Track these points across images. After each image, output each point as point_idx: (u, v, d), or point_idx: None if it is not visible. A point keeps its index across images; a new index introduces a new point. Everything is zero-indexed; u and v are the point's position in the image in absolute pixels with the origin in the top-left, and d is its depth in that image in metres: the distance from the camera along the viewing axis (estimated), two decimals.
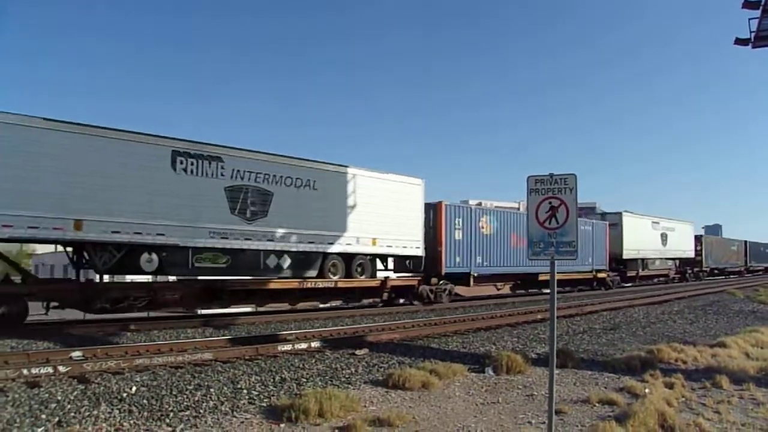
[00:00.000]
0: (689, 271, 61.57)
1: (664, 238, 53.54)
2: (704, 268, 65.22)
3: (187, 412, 9.10)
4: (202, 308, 22.30)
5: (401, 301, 28.19)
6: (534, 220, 7.97)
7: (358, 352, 14.30)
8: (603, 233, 43.60)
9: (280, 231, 22.29)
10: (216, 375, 11.50)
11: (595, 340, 18.04)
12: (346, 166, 24.97)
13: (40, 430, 8.05)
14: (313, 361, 13.23)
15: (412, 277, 28.25)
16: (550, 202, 7.85)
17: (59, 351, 13.11)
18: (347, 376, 12.07)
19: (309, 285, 23.27)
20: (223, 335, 16.59)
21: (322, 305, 25.93)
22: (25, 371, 10.85)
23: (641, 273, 50.27)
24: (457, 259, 29.53)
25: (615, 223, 46.42)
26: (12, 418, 8.41)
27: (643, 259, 50.32)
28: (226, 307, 22.24)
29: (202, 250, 20.36)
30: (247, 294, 22.24)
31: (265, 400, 10.05)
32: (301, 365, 12.71)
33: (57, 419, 8.41)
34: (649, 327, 21.47)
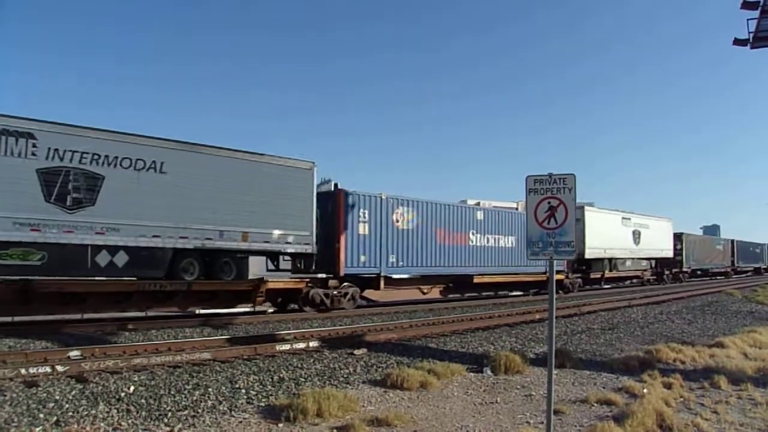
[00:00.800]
0: (667, 273, 56.75)
1: (636, 235, 48.60)
2: (684, 269, 60.38)
3: (186, 412, 9.11)
4: (16, 314, 18.52)
5: (293, 306, 24.11)
6: (533, 219, 7.97)
7: (356, 351, 14.30)
8: None
9: (113, 222, 18.51)
10: (214, 374, 11.49)
11: (594, 340, 18.04)
12: (204, 145, 21.02)
13: (38, 429, 8.04)
14: (312, 360, 13.23)
15: (300, 278, 23.95)
16: (549, 202, 7.86)
17: (57, 350, 13.09)
18: (345, 375, 12.07)
19: (150, 287, 19.12)
20: (221, 335, 16.57)
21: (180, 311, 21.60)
22: (23, 371, 10.85)
23: (608, 274, 45.36)
24: (362, 258, 25.06)
25: (577, 218, 41.93)
26: (10, 417, 8.40)
27: (610, 259, 45.28)
28: (46, 313, 18.77)
29: (7, 245, 17.00)
30: (72, 297, 18.26)
31: (263, 399, 10.06)
32: (299, 365, 12.71)
33: (55, 419, 8.41)
34: (648, 327, 21.48)
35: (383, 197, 26.32)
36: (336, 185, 28.50)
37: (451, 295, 31.76)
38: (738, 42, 21.81)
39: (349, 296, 24.75)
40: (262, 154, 22.49)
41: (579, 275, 41.39)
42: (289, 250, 23.20)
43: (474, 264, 31.05)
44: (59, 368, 11.15)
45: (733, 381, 12.31)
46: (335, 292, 24.24)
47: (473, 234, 30.98)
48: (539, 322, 21.06)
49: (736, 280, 67.89)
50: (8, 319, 17.70)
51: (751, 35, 21.47)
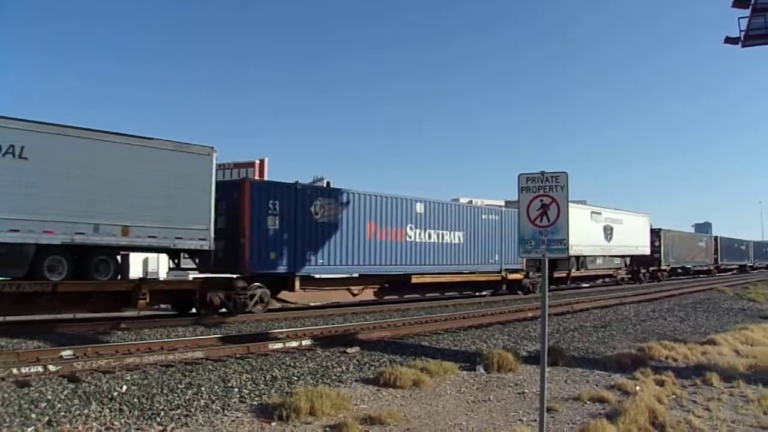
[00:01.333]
0: (643, 272, 53.54)
1: (608, 231, 45.35)
2: (663, 267, 57.12)
3: (178, 411, 9.08)
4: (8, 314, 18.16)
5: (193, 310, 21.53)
6: (525, 217, 7.97)
7: (349, 350, 14.29)
8: (517, 224, 36.12)
9: None
10: (207, 373, 11.47)
11: (586, 337, 18.08)
12: (74, 127, 18.08)
13: (30, 429, 8.01)
14: (304, 359, 13.22)
15: (195, 279, 21.84)
16: (541, 200, 7.85)
17: (49, 350, 13.07)
18: (338, 374, 12.06)
19: (7, 289, 16.70)
20: (214, 334, 16.56)
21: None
22: (14, 370, 10.81)
23: (575, 273, 42.01)
24: (272, 255, 22.05)
25: None
26: (2, 417, 8.37)
27: (578, 257, 41.86)
28: None
29: None
30: None
31: (256, 398, 10.04)
32: (292, 363, 12.69)
33: (47, 418, 8.37)
34: (640, 325, 21.54)
35: (298, 187, 23.47)
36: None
37: (387, 297, 28.42)
38: (729, 40, 21.91)
39: (256, 298, 21.71)
40: (147, 138, 19.38)
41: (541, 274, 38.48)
42: (181, 246, 20.24)
43: (412, 262, 27.80)
44: (51, 368, 11.12)
45: (725, 378, 12.33)
46: (240, 294, 21.25)
47: (412, 229, 27.72)
48: (532, 320, 21.08)
49: (720, 278, 64.73)
50: (0, 318, 17.62)
51: (743, 33, 21.58)
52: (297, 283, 22.95)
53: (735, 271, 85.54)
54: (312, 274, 23.89)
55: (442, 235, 29.48)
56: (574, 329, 19.63)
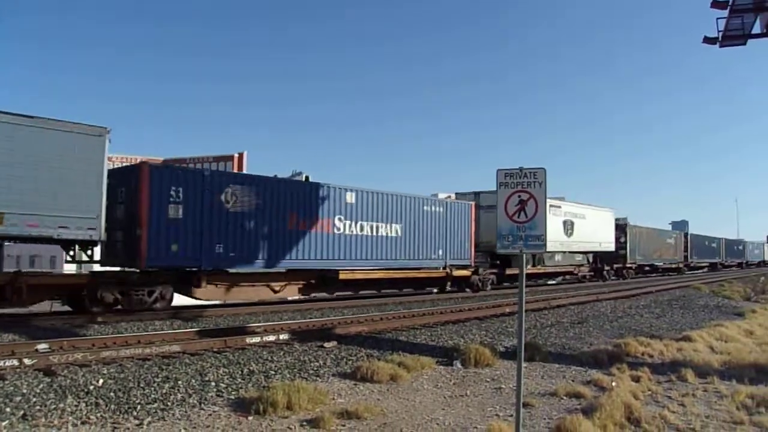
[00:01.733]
0: (607, 269, 50.75)
1: (568, 226, 42.20)
2: (629, 264, 54.58)
3: (155, 405, 9.04)
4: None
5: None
6: (503, 213, 8.00)
7: (326, 344, 14.27)
8: (465, 217, 32.00)
9: None
10: (184, 367, 11.42)
11: (563, 333, 18.15)
12: None
13: (4, 423, 7.93)
14: (282, 353, 13.20)
15: (85, 273, 19.87)
16: (519, 196, 7.89)
17: (25, 343, 12.96)
18: (316, 368, 12.04)
19: None
20: (191, 327, 16.45)
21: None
22: None
23: (530, 270, 38.76)
24: (174, 248, 19.66)
25: (490, 205, 32.88)
26: None
27: (533, 254, 37.60)
28: None
29: None
30: None
31: (233, 392, 10.01)
32: (269, 358, 12.66)
33: (22, 412, 8.30)
34: (617, 321, 21.65)
35: (206, 172, 21.70)
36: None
37: (314, 294, 26.33)
38: (707, 40, 22.05)
39: (156, 295, 19.76)
40: (28, 116, 17.18)
41: (493, 271, 34.96)
42: (66, 237, 17.92)
43: (341, 256, 25.05)
44: (27, 361, 11.03)
45: (699, 374, 12.45)
46: (136, 291, 19.32)
47: (341, 220, 25.00)
48: (509, 315, 21.14)
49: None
50: None
51: (720, 34, 21.74)
52: (203, 279, 20.83)
53: (706, 269, 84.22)
54: (222, 269, 21.51)
55: (376, 227, 26.73)
56: (551, 325, 19.71)
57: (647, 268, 61.75)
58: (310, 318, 19.15)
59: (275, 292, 23.60)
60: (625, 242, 53.25)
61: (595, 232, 46.34)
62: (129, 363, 11.63)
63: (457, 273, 31.09)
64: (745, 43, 21.89)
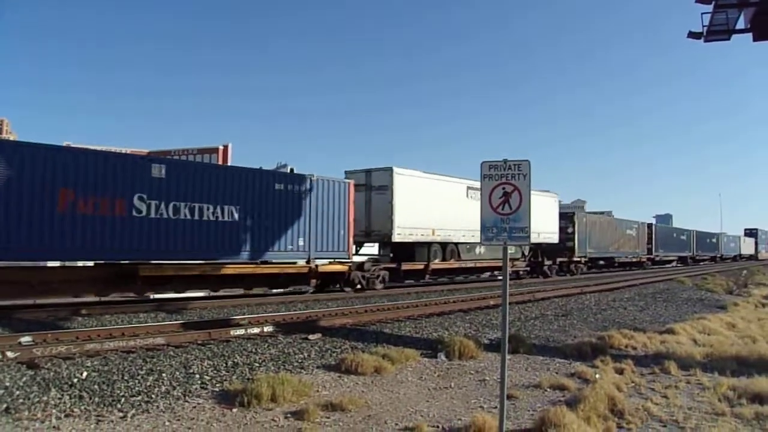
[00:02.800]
0: (549, 263, 44.59)
1: None
2: (577, 258, 48.34)
3: (139, 398, 9.00)
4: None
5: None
6: (487, 205, 8.00)
7: (310, 336, 14.26)
8: (340, 199, 25.97)
9: None
10: (168, 360, 11.38)
11: (547, 326, 18.22)
12: None
13: None
14: (266, 345, 13.17)
15: None
16: (503, 188, 7.89)
17: (8, 336, 12.87)
18: (300, 360, 12.03)
19: None
20: (176, 320, 16.41)
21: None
22: None
23: (439, 265, 33.06)
24: None
25: (382, 185, 29.17)
26: None
27: (443, 244, 33.33)
28: None
29: None
30: None
31: (217, 384, 9.99)
32: (253, 350, 12.64)
33: (5, 406, 8.23)
34: (601, 314, 21.75)
35: None
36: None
37: (114, 296, 20.72)
38: (692, 35, 22.17)
39: None
40: None
41: (389, 266, 29.53)
42: None
43: (144, 246, 19.64)
44: (10, 354, 10.94)
45: (682, 366, 12.53)
46: None
47: (143, 200, 19.46)
48: (493, 308, 21.17)
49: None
50: None
51: (705, 29, 21.86)
52: None
53: (675, 263, 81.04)
54: None
55: (200, 209, 21.03)
56: (535, 317, 19.77)
57: (601, 263, 56.58)
58: (295, 310, 19.11)
59: (48, 292, 18.43)
60: (573, 233, 47.52)
61: (533, 220, 38.85)
62: (113, 355, 11.56)
63: (326, 268, 25.47)
64: (729, 38, 22.04)
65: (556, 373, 12.02)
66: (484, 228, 8.07)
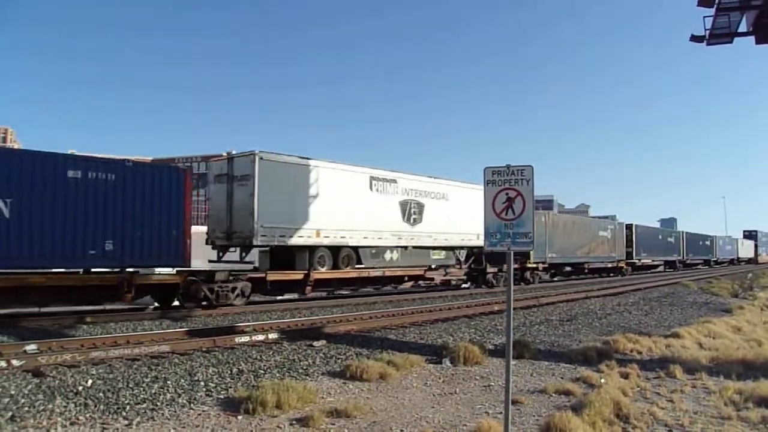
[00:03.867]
0: (492, 272, 36.24)
1: (412, 210, 29.77)
2: (533, 264, 39.72)
3: (144, 405, 9.02)
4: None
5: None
6: (491, 210, 8.00)
7: (315, 343, 14.27)
8: (171, 192, 20.54)
9: None
10: (173, 367, 11.40)
11: (552, 331, 18.21)
12: None
13: None
14: (271, 352, 13.19)
15: None
16: (507, 194, 7.89)
17: (13, 344, 12.90)
18: (305, 367, 12.04)
19: None
20: (180, 327, 16.41)
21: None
22: None
23: (323, 275, 25.22)
24: None
25: (245, 175, 23.45)
26: None
27: (336, 248, 26.07)
28: None
29: None
30: None
31: (222, 392, 10.00)
32: (258, 357, 12.66)
33: (10, 414, 8.26)
34: (605, 318, 21.73)
35: None
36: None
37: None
38: (695, 38, 22.18)
39: None
40: None
41: (254, 275, 23.13)
42: None
43: None
44: (15, 362, 10.98)
45: (687, 370, 12.51)
46: None
47: None
48: (498, 313, 21.18)
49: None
50: None
51: (707, 32, 21.87)
52: None
53: (663, 268, 72.31)
54: None
55: None
56: (540, 322, 19.76)
57: (568, 269, 48.79)
58: (299, 317, 19.14)
59: None
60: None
61: (471, 219, 30.97)
62: (118, 363, 11.59)
63: (147, 279, 20.20)
64: (731, 42, 22.04)
65: (562, 378, 12.00)
66: (487, 233, 8.06)
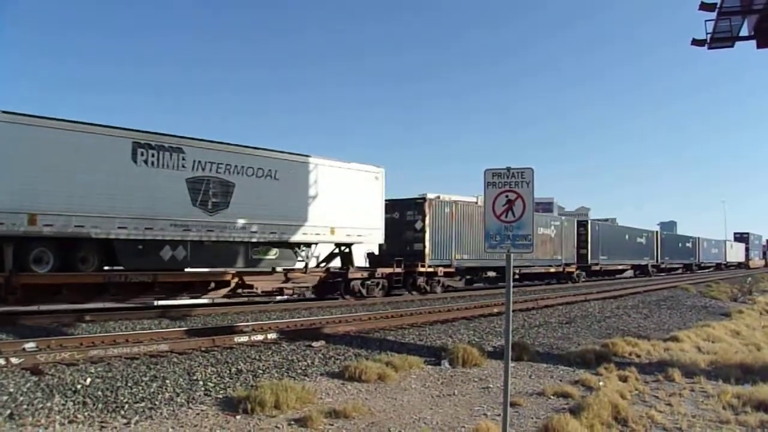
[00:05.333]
0: (359, 277, 27.13)
1: (209, 192, 22.16)
2: (429, 268, 30.37)
3: (143, 404, 9.01)
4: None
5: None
6: (491, 213, 8.01)
7: (314, 344, 14.27)
8: None
9: None
10: (172, 366, 11.40)
11: (551, 333, 18.20)
12: None
13: None
14: (270, 352, 13.19)
15: None
16: (506, 196, 7.90)
17: (12, 342, 12.91)
18: (303, 368, 12.04)
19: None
20: (180, 326, 16.45)
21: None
22: None
23: (37, 279, 17.99)
24: None
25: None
26: None
27: (64, 241, 18.95)
28: None
29: None
30: None
31: (221, 391, 9.99)
32: (257, 357, 12.66)
33: (9, 412, 8.25)
34: (604, 321, 21.73)
35: None
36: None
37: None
38: (696, 42, 22.21)
39: None
40: None
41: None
42: None
43: None
44: (14, 360, 10.96)
45: (686, 374, 12.49)
46: None
47: None
48: (497, 315, 21.18)
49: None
50: None
51: (709, 36, 21.90)
52: None
53: (629, 272, 62.82)
54: None
55: None
56: (539, 325, 19.76)
57: (493, 275, 37.84)
58: (299, 317, 19.14)
59: None
60: (423, 230, 30.28)
61: (334, 207, 25.81)
62: (117, 362, 11.59)
63: None
64: (732, 45, 22.08)
65: (560, 380, 12.00)
66: (488, 236, 8.07)
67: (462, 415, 9.42)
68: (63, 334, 14.92)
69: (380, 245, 29.43)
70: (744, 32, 21.72)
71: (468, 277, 36.81)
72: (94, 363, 11.39)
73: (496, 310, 22.39)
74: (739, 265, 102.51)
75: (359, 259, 30.39)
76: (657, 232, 68.93)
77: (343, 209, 26.20)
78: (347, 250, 28.01)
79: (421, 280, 30.32)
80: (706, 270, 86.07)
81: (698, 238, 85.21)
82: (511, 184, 7.91)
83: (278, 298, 23.98)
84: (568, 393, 10.71)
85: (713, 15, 21.44)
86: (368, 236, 27.92)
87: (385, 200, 29.61)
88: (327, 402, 9.77)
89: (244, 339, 14.32)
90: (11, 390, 9.24)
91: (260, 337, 14.64)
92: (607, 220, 78.43)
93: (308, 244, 26.18)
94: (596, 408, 9.13)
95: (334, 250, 27.93)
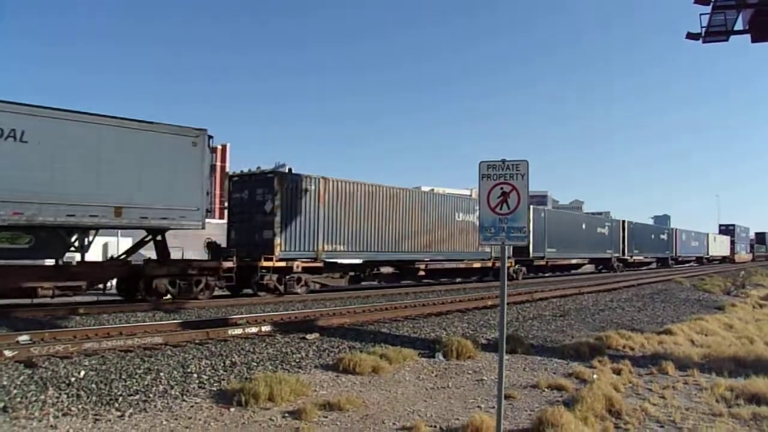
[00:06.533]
0: (166, 274, 20.70)
1: None
2: (278, 262, 23.53)
3: (137, 397, 9.01)
4: None
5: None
6: (485, 205, 7.99)
7: (308, 336, 14.27)
8: None
9: None
10: (166, 359, 11.38)
11: (545, 326, 18.22)
12: None
13: None
14: (264, 345, 13.18)
15: None
16: (501, 188, 7.88)
17: (5, 335, 12.90)
18: (298, 360, 12.04)
19: None
20: (174, 319, 16.43)
21: None
22: None
23: None
24: None
25: None
26: None
27: None
28: None
29: None
30: None
31: (215, 384, 9.99)
32: (251, 349, 12.65)
33: (2, 405, 8.24)
34: (599, 314, 21.75)
35: None
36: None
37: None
38: (691, 36, 22.19)
39: None
40: None
41: None
42: None
43: None
44: (7, 353, 10.94)
45: (680, 367, 12.53)
46: None
47: None
48: (491, 308, 21.18)
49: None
50: None
51: (704, 30, 21.88)
52: None
53: (596, 268, 55.95)
54: None
55: None
56: (533, 318, 19.78)
57: (388, 270, 30.05)
58: (292, 310, 19.13)
59: None
60: (272, 212, 24.03)
61: (113, 179, 18.92)
62: (111, 355, 11.57)
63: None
64: (727, 39, 22.04)
65: (554, 373, 12.02)
66: (482, 228, 8.06)
67: (456, 407, 9.43)
68: (57, 326, 14.89)
69: (229, 233, 25.53)
70: (739, 26, 21.71)
71: (353, 273, 28.55)
72: (88, 356, 11.37)
73: (490, 302, 22.39)
74: (723, 260, 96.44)
75: (197, 251, 25.85)
76: (624, 221, 60.15)
77: (137, 183, 19.35)
78: (159, 237, 21.51)
79: (268, 278, 23.46)
80: (685, 265, 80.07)
81: (675, 229, 79.68)
82: (505, 176, 7.90)
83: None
84: (562, 386, 10.73)
85: (708, 9, 21.43)
86: (179, 220, 20.41)
87: (233, 175, 26.33)
88: (321, 394, 9.77)
89: (238, 331, 14.31)
90: (5, 383, 9.22)
91: (254, 330, 14.63)
92: (600, 213, 74.62)
93: (81, 229, 19.21)
94: (590, 401, 9.15)
95: (145, 237, 21.72)
